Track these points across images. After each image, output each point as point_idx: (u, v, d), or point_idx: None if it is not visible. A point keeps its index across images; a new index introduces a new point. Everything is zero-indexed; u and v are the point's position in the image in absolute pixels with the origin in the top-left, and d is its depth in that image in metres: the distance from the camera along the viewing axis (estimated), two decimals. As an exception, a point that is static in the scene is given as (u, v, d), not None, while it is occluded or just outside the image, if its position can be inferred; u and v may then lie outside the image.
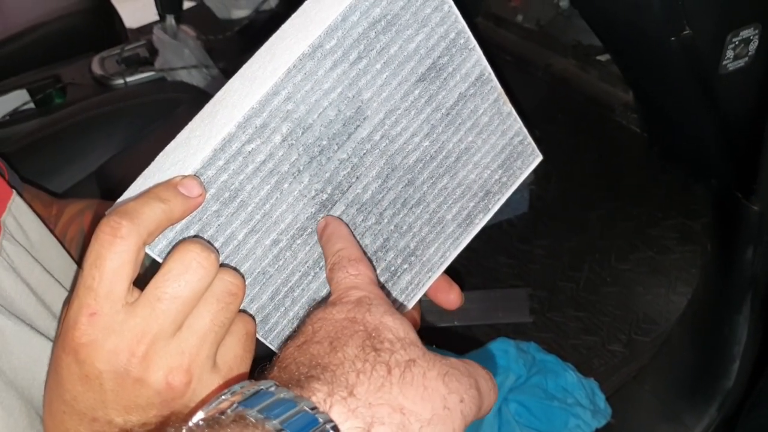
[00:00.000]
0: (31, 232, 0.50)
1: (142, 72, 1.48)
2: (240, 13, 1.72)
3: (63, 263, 0.52)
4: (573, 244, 1.34)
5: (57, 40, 1.66)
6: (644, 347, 1.17)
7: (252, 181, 0.36)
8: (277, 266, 0.39)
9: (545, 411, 1.03)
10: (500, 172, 0.46)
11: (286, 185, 0.38)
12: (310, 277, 0.41)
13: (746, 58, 0.93)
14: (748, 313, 1.08)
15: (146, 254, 0.34)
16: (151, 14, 1.69)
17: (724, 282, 1.15)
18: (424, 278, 0.46)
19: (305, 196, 0.38)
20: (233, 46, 1.64)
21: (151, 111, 1.27)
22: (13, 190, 0.51)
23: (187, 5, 1.67)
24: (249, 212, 0.37)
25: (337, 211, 0.40)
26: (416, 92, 0.40)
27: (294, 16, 0.38)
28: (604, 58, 1.52)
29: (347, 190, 0.40)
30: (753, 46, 0.93)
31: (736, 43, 0.91)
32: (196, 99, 1.30)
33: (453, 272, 0.48)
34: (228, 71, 1.51)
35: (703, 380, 1.11)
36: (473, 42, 0.41)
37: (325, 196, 0.39)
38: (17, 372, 0.43)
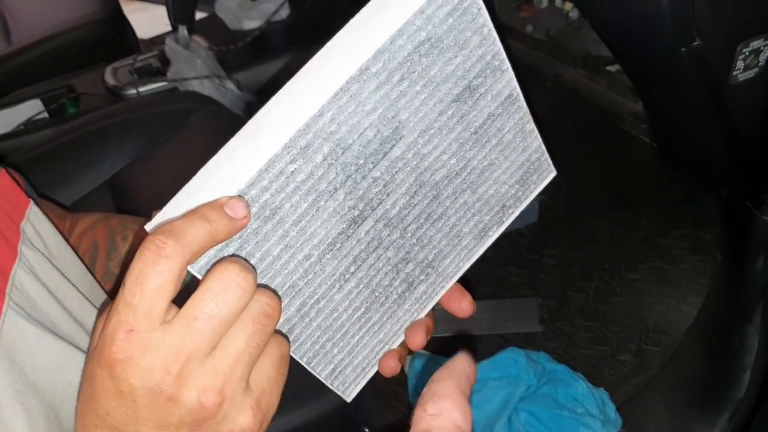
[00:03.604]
0: (48, 240, 0.51)
1: (155, 82, 1.49)
2: (251, 24, 1.73)
3: (79, 271, 0.53)
4: (583, 254, 1.34)
5: (70, 51, 1.67)
6: (654, 357, 1.17)
7: (291, 200, 0.37)
8: (306, 280, 0.40)
9: (555, 421, 1.03)
10: (517, 186, 0.47)
11: (322, 203, 0.38)
12: (336, 289, 0.41)
13: (756, 69, 0.93)
14: (759, 323, 1.08)
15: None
16: (163, 25, 1.70)
17: (734, 292, 1.15)
18: (438, 288, 0.47)
19: (338, 212, 0.39)
20: (245, 56, 1.65)
21: (164, 121, 1.28)
22: (30, 199, 0.52)
23: (199, 16, 1.68)
24: (286, 229, 0.38)
25: (366, 226, 0.41)
26: (450, 112, 0.41)
27: (339, 35, 0.38)
28: (613, 68, 1.52)
29: (377, 206, 0.41)
30: (763, 57, 0.93)
31: (747, 53, 0.91)
32: (208, 109, 1.31)
33: (464, 282, 0.48)
34: (240, 81, 1.52)
35: (713, 390, 1.11)
36: (507, 63, 0.42)
37: (356, 212, 0.40)
38: (39, 374, 0.44)
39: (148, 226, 0.35)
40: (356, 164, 0.39)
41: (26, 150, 1.29)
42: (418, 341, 0.46)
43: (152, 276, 0.32)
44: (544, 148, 0.47)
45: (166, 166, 1.15)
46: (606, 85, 1.53)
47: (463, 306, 0.48)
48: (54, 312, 0.47)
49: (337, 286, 0.41)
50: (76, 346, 0.47)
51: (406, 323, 0.46)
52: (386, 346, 0.46)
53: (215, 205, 0.34)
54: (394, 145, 0.40)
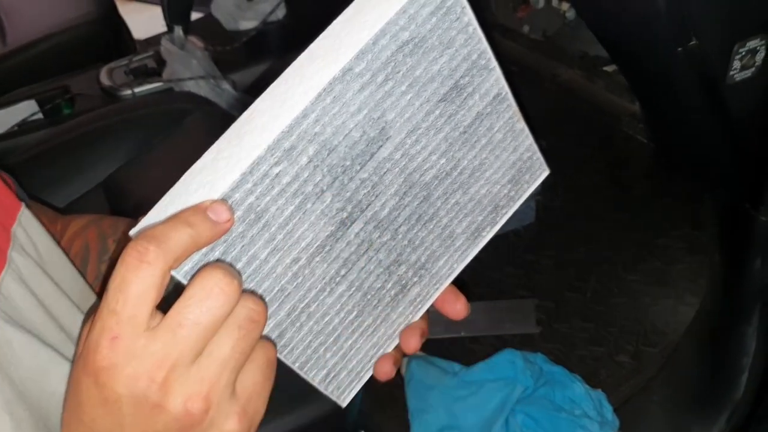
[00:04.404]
0: (39, 245, 0.51)
1: (150, 83, 1.49)
2: (247, 24, 1.73)
3: (70, 276, 0.53)
4: (580, 255, 1.34)
5: (66, 51, 1.67)
6: (652, 358, 1.16)
7: (277, 202, 0.37)
8: (295, 283, 0.39)
9: (553, 422, 1.03)
10: (509, 186, 0.47)
11: (309, 205, 0.38)
12: (326, 293, 0.41)
13: (753, 69, 0.93)
14: (757, 325, 1.07)
15: (171, 276, 0.34)
16: (159, 25, 1.70)
17: (732, 293, 1.15)
18: (432, 290, 0.46)
19: (326, 215, 0.39)
20: (241, 56, 1.64)
21: (159, 122, 1.28)
22: (22, 202, 0.51)
23: (194, 16, 1.68)
24: (272, 232, 0.37)
25: (355, 228, 0.40)
26: (437, 112, 0.41)
27: (322, 36, 0.37)
28: (610, 68, 1.52)
29: (366, 208, 0.40)
30: (760, 57, 0.93)
31: (743, 53, 0.91)
32: (203, 110, 1.31)
33: (459, 283, 0.48)
34: (236, 82, 1.52)
35: (711, 392, 1.11)
36: (494, 62, 0.42)
37: (345, 214, 0.40)
38: (26, 383, 0.44)
39: (132, 232, 0.35)
40: (343, 165, 0.38)
41: (20, 151, 1.29)
42: (413, 345, 0.45)
43: (135, 282, 0.32)
44: (536, 146, 0.47)
45: (160, 167, 1.15)
46: (603, 86, 1.53)
47: (458, 308, 0.47)
48: (41, 320, 0.47)
49: (328, 289, 0.41)
50: (62, 355, 0.46)
51: (400, 326, 0.46)
52: (381, 350, 0.45)
53: (197, 209, 0.34)
54: (381, 146, 0.39)
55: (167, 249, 0.32)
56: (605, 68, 1.53)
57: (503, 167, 0.46)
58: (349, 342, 0.43)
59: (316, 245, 0.39)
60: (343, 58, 0.36)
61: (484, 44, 0.41)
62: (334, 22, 0.38)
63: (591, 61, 1.55)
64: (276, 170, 0.36)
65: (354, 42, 0.36)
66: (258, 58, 1.64)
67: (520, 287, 1.30)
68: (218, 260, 0.36)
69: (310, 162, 0.37)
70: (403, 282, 0.44)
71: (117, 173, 1.20)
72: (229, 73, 1.54)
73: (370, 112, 0.38)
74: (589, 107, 1.54)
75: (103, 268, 0.58)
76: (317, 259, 0.40)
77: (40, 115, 1.47)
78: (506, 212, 0.47)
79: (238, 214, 0.35)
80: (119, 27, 1.82)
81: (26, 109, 1.47)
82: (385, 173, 0.40)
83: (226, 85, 1.49)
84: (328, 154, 0.37)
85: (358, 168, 0.39)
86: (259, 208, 0.36)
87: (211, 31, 1.72)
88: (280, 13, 1.75)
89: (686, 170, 1.32)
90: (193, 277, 0.34)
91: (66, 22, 1.69)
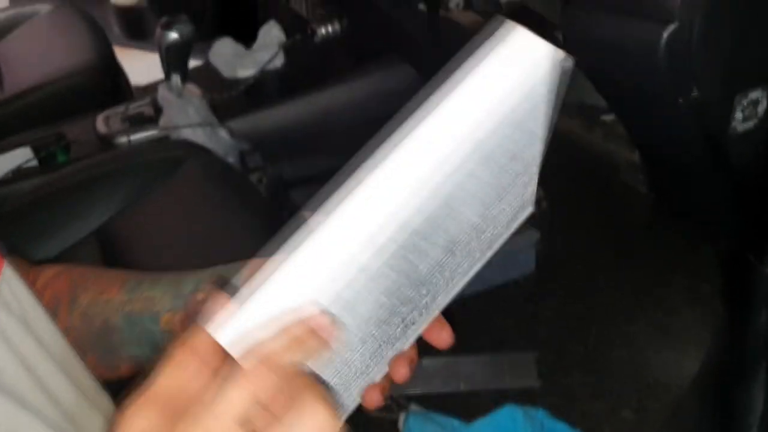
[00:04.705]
0: (23, 301, 0.49)
1: (147, 130, 1.48)
2: (245, 72, 1.74)
3: (52, 334, 0.51)
4: (580, 306, 1.32)
5: (63, 98, 1.67)
6: (655, 413, 1.14)
7: (359, 292, 0.37)
8: (341, 353, 0.39)
9: (555, 481, 1.00)
10: (507, 225, 0.48)
11: (377, 283, 0.38)
12: (356, 353, 0.41)
13: (755, 120, 0.93)
14: (764, 381, 1.05)
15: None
16: (157, 72, 1.70)
17: (737, 347, 1.13)
18: (424, 322, 0.47)
19: (388, 290, 0.39)
20: (238, 104, 1.65)
21: (155, 169, 1.27)
22: (5, 259, 0.50)
23: (192, 64, 1.68)
24: (346, 319, 0.37)
25: (399, 292, 0.40)
26: (492, 182, 0.42)
27: (409, 116, 0.37)
28: (608, 117, 1.52)
29: (413, 273, 0.41)
30: (762, 108, 0.92)
31: (745, 104, 0.91)
32: (200, 158, 1.30)
33: (445, 313, 0.48)
34: (233, 130, 1.51)
35: (718, 450, 1.08)
36: (543, 130, 0.43)
37: (398, 285, 0.40)
38: None
39: (222, 339, 0.33)
40: (413, 244, 0.39)
41: (14, 198, 1.28)
42: (403, 373, 0.46)
43: (236, 401, 0.31)
44: (535, 189, 0.48)
45: (156, 216, 1.14)
46: (601, 135, 1.53)
47: (443, 336, 0.47)
48: (22, 381, 0.45)
49: (358, 348, 0.41)
50: (44, 418, 0.45)
51: (390, 356, 0.46)
52: (370, 380, 0.45)
53: (305, 326, 0.34)
54: (446, 220, 0.40)
55: (277, 369, 0.32)
56: (603, 118, 1.53)
57: (510, 211, 0.47)
58: (355, 383, 0.44)
59: (367, 318, 0.39)
60: (440, 150, 0.37)
61: (543, 116, 0.42)
62: (441, 108, 0.37)
63: (589, 110, 1.56)
64: (371, 266, 0.36)
65: (447, 132, 0.37)
66: (256, 106, 1.64)
67: (520, 338, 1.28)
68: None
69: (397, 250, 0.38)
70: (408, 321, 0.45)
71: (112, 221, 1.19)
72: (227, 121, 1.54)
73: (451, 195, 0.39)
74: (587, 156, 1.54)
75: (74, 318, 0.57)
76: (363, 327, 0.40)
77: (35, 162, 1.46)
78: (494, 248, 0.48)
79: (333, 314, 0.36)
80: (118, 74, 1.83)
81: (21, 156, 1.47)
82: (437, 241, 0.41)
83: (223, 133, 1.48)
84: (409, 239, 0.38)
85: (420, 241, 0.39)
86: (347, 302, 0.37)
87: (208, 79, 1.73)
88: (278, 61, 1.76)
89: (687, 220, 1.31)
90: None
91: (64, 69, 1.69)
